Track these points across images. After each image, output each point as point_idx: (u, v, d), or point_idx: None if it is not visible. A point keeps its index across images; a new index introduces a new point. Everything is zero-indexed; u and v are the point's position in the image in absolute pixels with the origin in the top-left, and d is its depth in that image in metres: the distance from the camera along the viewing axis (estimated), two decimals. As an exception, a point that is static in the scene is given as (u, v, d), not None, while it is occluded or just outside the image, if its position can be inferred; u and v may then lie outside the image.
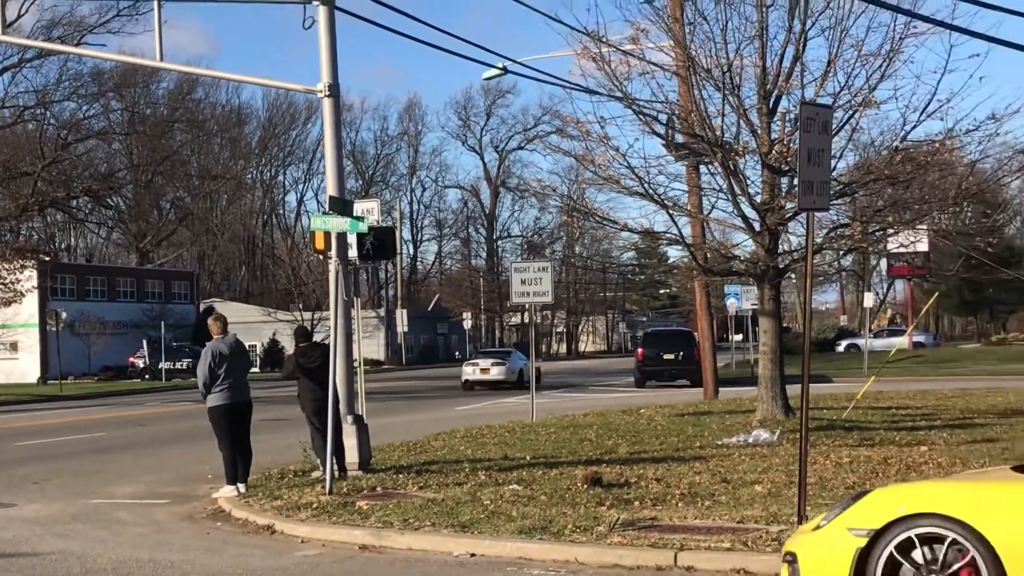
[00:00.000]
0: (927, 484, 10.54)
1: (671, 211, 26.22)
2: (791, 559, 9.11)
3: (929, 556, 8.57)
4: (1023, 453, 16.63)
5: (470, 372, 55.55)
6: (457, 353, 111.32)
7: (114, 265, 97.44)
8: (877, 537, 8.74)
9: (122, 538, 13.87)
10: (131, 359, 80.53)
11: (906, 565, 8.68)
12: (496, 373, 54.79)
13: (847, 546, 8.82)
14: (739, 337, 75.18)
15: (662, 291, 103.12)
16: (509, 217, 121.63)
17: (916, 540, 8.62)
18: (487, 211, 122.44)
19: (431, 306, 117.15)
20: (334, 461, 17.34)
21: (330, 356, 18.52)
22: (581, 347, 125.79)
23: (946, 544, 8.55)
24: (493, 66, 31.28)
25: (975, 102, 21.86)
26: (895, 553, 8.68)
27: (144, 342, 78.56)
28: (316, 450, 18.82)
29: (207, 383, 18.00)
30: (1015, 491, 8.99)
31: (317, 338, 23.60)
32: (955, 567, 8.52)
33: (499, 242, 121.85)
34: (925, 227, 32.84)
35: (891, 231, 28.75)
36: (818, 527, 9.21)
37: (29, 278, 66.10)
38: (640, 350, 54.82)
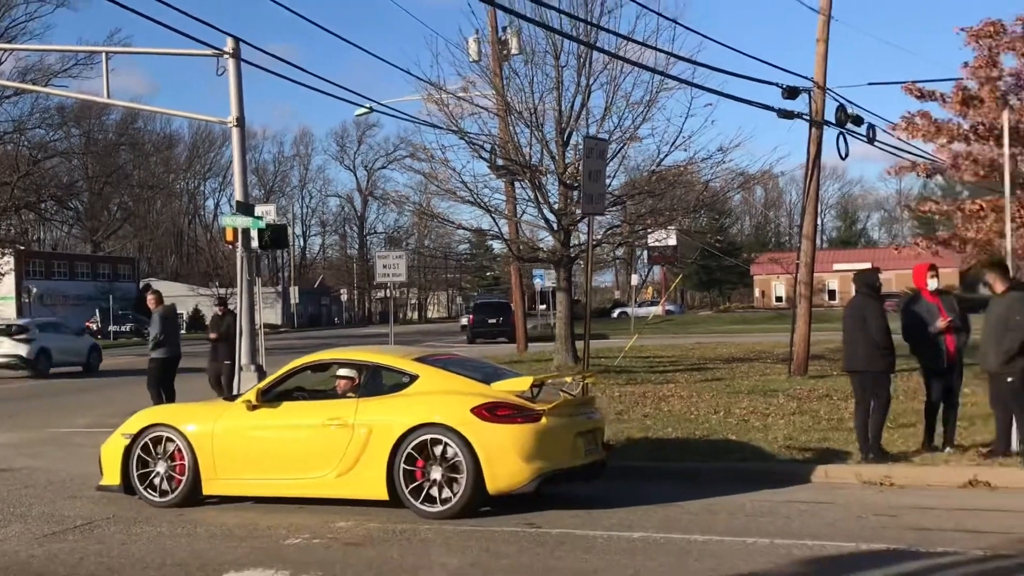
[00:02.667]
0: (156, 409, 11.91)
1: (494, 215, 26.46)
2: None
3: (158, 449, 10.45)
4: None
5: None
6: (336, 319, 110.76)
7: (73, 253, 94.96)
8: (135, 439, 10.51)
9: (78, 457, 13.66)
10: (87, 323, 78.58)
11: (154, 454, 10.42)
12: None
13: (120, 443, 10.60)
14: (543, 306, 75.93)
15: (488, 273, 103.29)
16: (375, 219, 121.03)
17: (152, 441, 10.48)
18: (359, 214, 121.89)
19: (316, 284, 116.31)
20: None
21: (242, 320, 18.49)
22: (429, 314, 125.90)
23: (166, 440, 10.41)
24: (363, 106, 31.11)
25: (708, 138, 22.57)
26: (144, 447, 10.45)
27: (97, 311, 76.98)
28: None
29: (158, 340, 17.81)
30: (207, 408, 11.17)
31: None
32: (171, 451, 10.36)
33: (368, 237, 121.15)
34: (674, 227, 33.74)
35: (650, 230, 29.47)
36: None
37: (8, 263, 64.78)
38: (471, 316, 55.09)
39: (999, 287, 11.30)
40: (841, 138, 23.01)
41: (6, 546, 8.68)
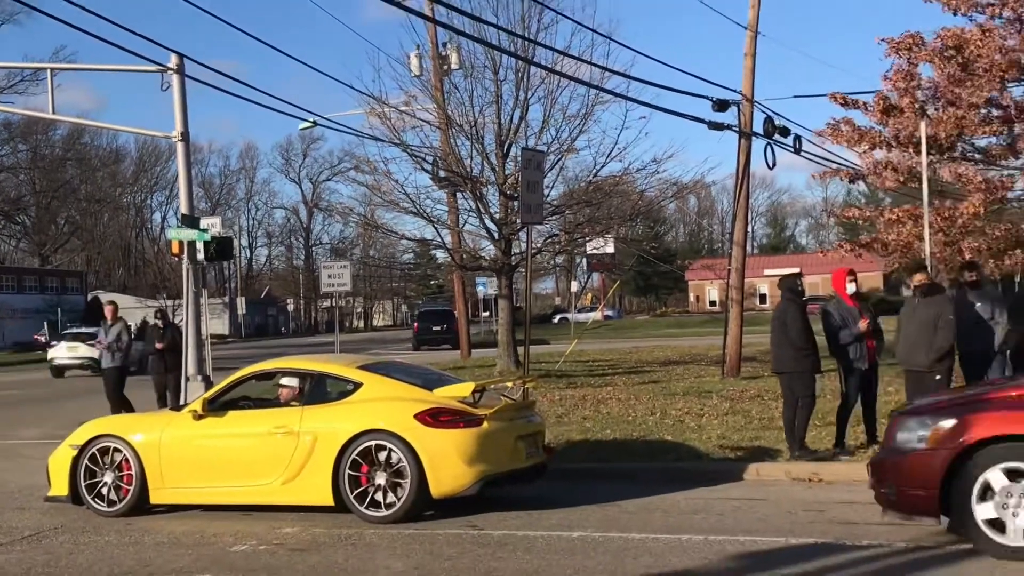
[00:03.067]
0: (102, 420, 11.63)
1: (436, 225, 26.44)
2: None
3: (105, 460, 10.33)
4: None
5: None
6: (283, 329, 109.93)
7: (21, 266, 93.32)
8: (82, 449, 10.39)
9: (26, 468, 13.41)
10: (35, 336, 77.48)
11: (101, 465, 10.29)
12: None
13: (68, 453, 10.45)
14: (487, 313, 75.96)
15: (432, 282, 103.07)
16: (320, 230, 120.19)
17: (99, 451, 10.36)
18: (304, 225, 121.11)
19: (263, 295, 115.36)
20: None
21: (188, 330, 18.31)
22: (375, 322, 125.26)
23: (113, 451, 10.28)
24: (306, 120, 30.90)
25: (643, 149, 22.86)
26: (91, 458, 10.32)
27: (45, 324, 75.78)
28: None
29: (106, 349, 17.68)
30: (154, 418, 11.39)
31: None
32: (118, 461, 10.22)
33: (313, 248, 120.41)
34: (611, 236, 33.91)
35: (588, 238, 29.63)
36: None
37: (-45, 277, 63.36)
38: (416, 324, 54.84)
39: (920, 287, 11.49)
40: (769, 148, 23.34)
41: (-48, 559, 8.51)
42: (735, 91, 22.67)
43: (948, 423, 7.46)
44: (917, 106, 20.79)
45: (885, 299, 69.14)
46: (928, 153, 18.08)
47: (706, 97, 21.80)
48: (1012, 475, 7.10)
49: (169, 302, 71.36)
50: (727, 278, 24.57)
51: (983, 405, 7.68)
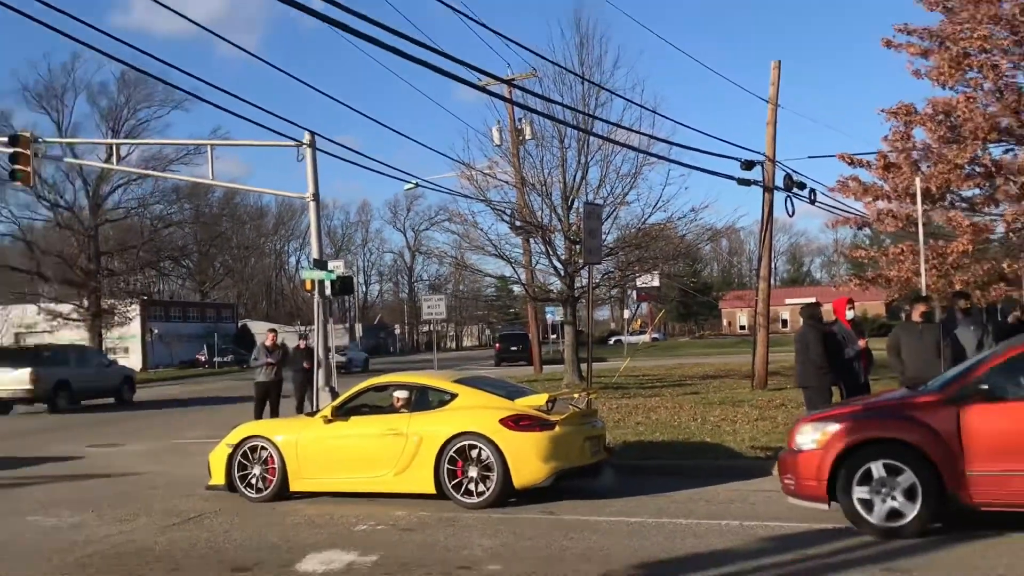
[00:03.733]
0: (252, 424, 11.63)
1: (514, 265, 26.66)
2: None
3: (254, 456, 10.44)
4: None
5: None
6: (392, 349, 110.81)
7: (186, 300, 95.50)
8: (236, 447, 10.52)
9: (193, 463, 13.68)
10: (197, 356, 79.06)
11: (251, 460, 10.41)
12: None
13: (224, 451, 10.59)
14: (554, 336, 75.77)
15: (510, 310, 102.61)
16: (420, 269, 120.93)
17: (249, 449, 10.46)
18: (408, 266, 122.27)
19: (376, 321, 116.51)
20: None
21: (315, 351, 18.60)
22: (464, 343, 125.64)
23: (260, 448, 10.39)
24: (410, 182, 31.27)
25: (683, 201, 22.77)
26: (244, 454, 10.45)
27: (205, 346, 77.30)
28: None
29: (255, 365, 17.94)
30: (292, 422, 11.25)
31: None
32: (264, 456, 10.33)
33: (415, 283, 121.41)
34: (657, 272, 33.64)
35: (637, 275, 29.44)
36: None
37: (135, 309, 65.00)
38: (497, 344, 54.90)
39: (917, 316, 11.21)
40: (788, 200, 22.99)
41: (136, 535, 8.69)
42: (759, 153, 22.48)
43: (833, 428, 7.64)
44: (912, 163, 20.45)
45: (886, 323, 67.48)
46: (922, 202, 17.71)
47: (735, 158, 21.65)
48: (872, 472, 7.37)
49: (303, 328, 72.51)
50: (755, 307, 24.24)
51: (861, 414, 7.84)
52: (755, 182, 22.32)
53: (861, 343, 11.46)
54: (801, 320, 11.85)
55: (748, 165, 21.73)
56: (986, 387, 7.27)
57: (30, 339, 75.48)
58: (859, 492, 7.38)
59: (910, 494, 7.23)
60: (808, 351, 11.22)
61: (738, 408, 17.14)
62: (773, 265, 26.79)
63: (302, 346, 19.69)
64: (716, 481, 10.34)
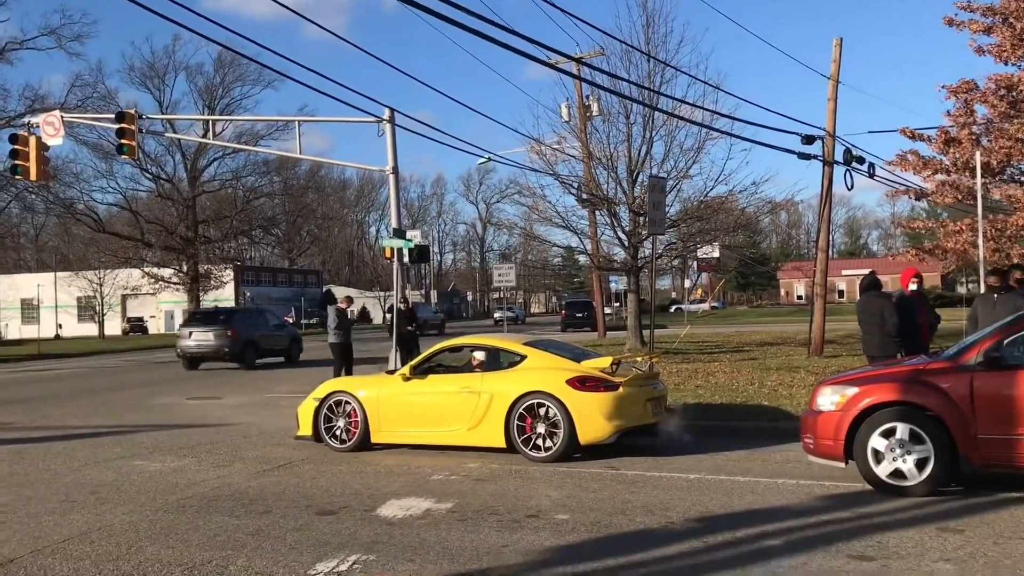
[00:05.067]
0: (337, 380, 11.83)
1: (580, 236, 26.46)
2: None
3: (339, 409, 10.61)
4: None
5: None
6: (464, 314, 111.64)
7: (275, 267, 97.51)
8: (322, 401, 10.68)
9: (282, 415, 14.05)
10: (285, 318, 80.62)
11: (336, 413, 10.58)
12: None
13: (312, 404, 10.75)
14: (617, 304, 75.43)
15: (575, 279, 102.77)
16: (491, 239, 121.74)
17: (334, 403, 10.62)
18: (480, 236, 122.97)
19: (449, 288, 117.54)
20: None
21: (394, 315, 18.78)
22: (532, 310, 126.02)
23: (344, 403, 10.51)
24: (483, 156, 31.32)
25: (744, 175, 22.36)
26: (329, 407, 10.62)
27: (292, 309, 78.87)
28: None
29: (334, 329, 18.02)
30: (373, 379, 11.06)
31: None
32: (348, 410, 10.49)
33: (486, 253, 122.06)
34: (717, 244, 33.18)
35: (699, 246, 29.07)
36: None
37: (229, 275, 66.63)
38: (563, 311, 54.84)
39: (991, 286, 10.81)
40: (847, 174, 22.40)
41: (232, 479, 8.96)
42: (820, 128, 21.91)
43: (852, 391, 7.65)
44: (973, 138, 19.73)
45: (942, 294, 65.48)
46: (981, 176, 17.09)
47: (796, 133, 21.13)
48: (887, 434, 7.40)
49: (381, 294, 73.41)
50: (813, 277, 23.73)
51: (880, 379, 7.73)
52: (815, 156, 21.78)
53: (924, 314, 11.11)
54: (861, 292, 11.50)
55: (808, 140, 21.20)
56: (997, 355, 7.24)
57: (132, 302, 78.04)
58: (874, 444, 7.41)
59: (922, 457, 7.25)
60: (883, 321, 10.84)
61: (794, 374, 16.88)
62: (831, 237, 26.12)
63: (403, 308, 19.67)
64: (773, 442, 10.22)
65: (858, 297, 11.69)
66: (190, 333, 26.62)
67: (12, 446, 11.64)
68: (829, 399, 7.80)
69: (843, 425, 7.58)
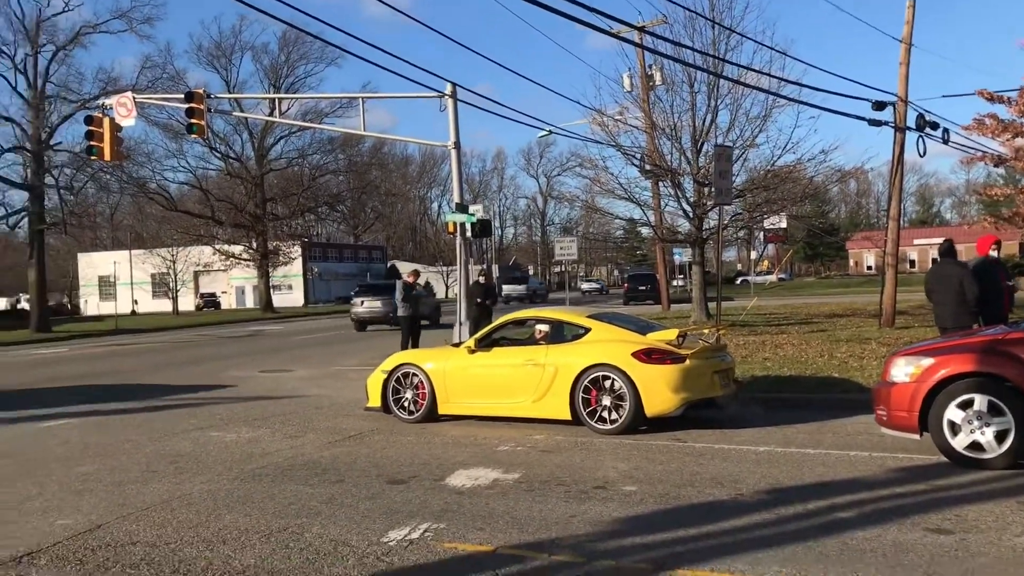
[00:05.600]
0: (404, 353, 11.98)
1: (643, 208, 26.23)
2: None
3: (407, 381, 10.79)
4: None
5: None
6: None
7: (341, 243, 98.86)
8: (390, 374, 10.87)
9: (351, 387, 14.28)
10: (351, 293, 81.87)
11: (404, 384, 10.75)
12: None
13: (380, 377, 10.94)
14: (681, 276, 74.74)
15: (637, 252, 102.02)
16: (552, 213, 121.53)
17: (402, 375, 10.79)
18: (541, 210, 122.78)
19: (511, 262, 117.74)
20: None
21: (460, 288, 18.88)
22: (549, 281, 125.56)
23: (412, 375, 10.72)
24: (544, 129, 31.11)
25: (812, 143, 21.74)
26: (397, 380, 10.81)
27: (357, 285, 79.97)
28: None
29: (400, 302, 18.12)
30: (440, 352, 11.15)
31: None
32: (416, 382, 10.66)
33: (547, 226, 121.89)
34: (784, 214, 32.52)
35: (765, 216, 28.53)
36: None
37: (297, 251, 67.76)
38: (626, 284, 54.52)
39: None
40: (920, 140, 21.71)
41: (305, 449, 9.15)
42: (891, 93, 21.24)
43: (927, 362, 7.45)
44: (1056, 100, 18.93)
45: (1020, 264, 63.30)
46: (1065, 140, 16.41)
47: (866, 99, 20.52)
48: (964, 405, 7.22)
49: (444, 269, 73.93)
50: (883, 247, 23.14)
51: (956, 349, 7.49)
52: (886, 123, 21.15)
53: (1004, 281, 10.75)
54: (940, 260, 11.11)
55: (879, 106, 20.59)
56: None
57: (204, 278, 79.94)
58: (951, 416, 7.25)
59: (1002, 429, 7.05)
60: (962, 290, 10.45)
61: (865, 345, 16.53)
62: (902, 206, 25.35)
63: (481, 281, 19.72)
64: (844, 414, 10.05)
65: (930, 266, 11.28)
66: (361, 302, 32.33)
67: (95, 418, 12.08)
68: (903, 370, 7.63)
69: (918, 396, 7.41)
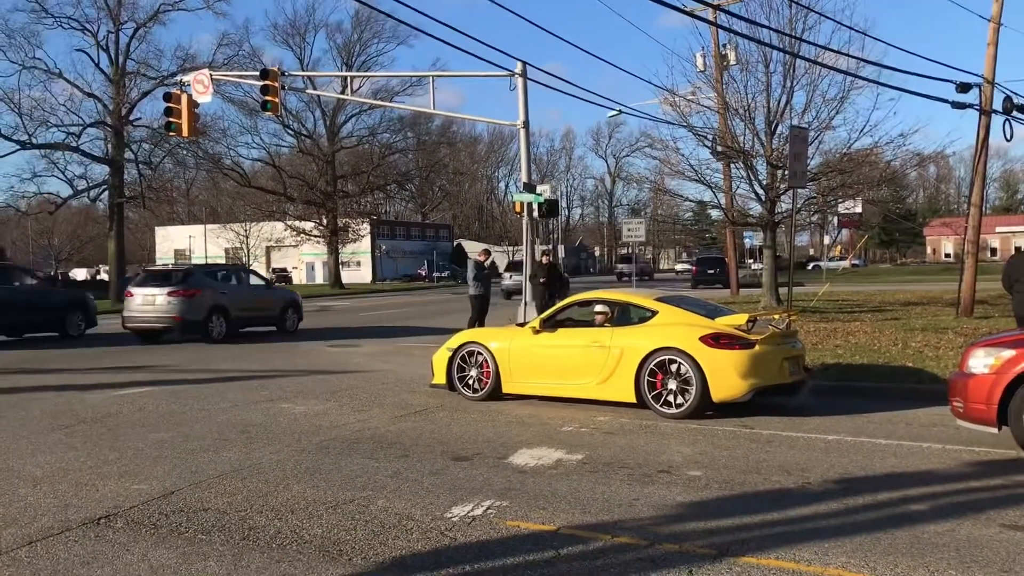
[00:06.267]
0: (469, 331, 11.84)
1: (714, 190, 25.76)
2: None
3: (472, 359, 10.86)
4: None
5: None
6: (591, 269, 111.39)
7: (409, 221, 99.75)
8: (455, 352, 10.98)
9: (416, 363, 14.44)
10: (419, 271, 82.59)
11: (469, 363, 10.86)
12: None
13: (446, 354, 11.06)
14: (751, 260, 73.58)
15: (707, 235, 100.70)
16: (620, 194, 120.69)
17: (467, 353, 10.91)
18: (608, 191, 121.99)
19: (577, 243, 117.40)
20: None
21: (525, 268, 18.86)
22: (661, 266, 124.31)
23: (476, 354, 10.80)
24: (614, 109, 30.93)
25: (891, 126, 21.11)
26: (462, 357, 10.93)
27: (425, 262, 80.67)
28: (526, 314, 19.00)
29: (472, 280, 18.24)
30: (505, 331, 11.24)
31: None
32: (480, 361, 10.76)
33: (615, 208, 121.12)
34: (860, 198, 31.67)
35: (840, 200, 27.82)
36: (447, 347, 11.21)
37: (366, 228, 68.56)
38: (695, 267, 53.79)
39: None
40: (1007, 124, 20.93)
41: (371, 423, 9.30)
42: (976, 75, 20.52)
43: (1008, 353, 7.21)
44: None
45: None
46: None
47: (950, 81, 19.85)
48: None
49: (510, 248, 74.14)
50: (964, 234, 22.38)
51: None
52: (971, 105, 20.43)
53: None
54: (1017, 250, 10.74)
55: (964, 88, 19.90)
56: None
57: (276, 253, 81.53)
58: None
59: None
60: None
61: (941, 335, 16.06)
62: (985, 191, 24.50)
63: (544, 262, 19.74)
64: (917, 405, 9.80)
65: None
66: (510, 276, 37.93)
67: (169, 387, 12.45)
68: (982, 361, 7.41)
69: (997, 389, 7.19)
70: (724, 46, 26.18)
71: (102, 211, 58.53)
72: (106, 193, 43.51)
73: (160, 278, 20.42)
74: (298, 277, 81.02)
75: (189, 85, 23.74)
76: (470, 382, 10.79)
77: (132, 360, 16.24)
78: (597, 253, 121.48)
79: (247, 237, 68.22)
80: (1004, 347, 7.36)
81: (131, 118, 43.53)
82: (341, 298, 48.81)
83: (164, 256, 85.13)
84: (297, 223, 62.57)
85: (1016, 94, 21.04)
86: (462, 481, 6.63)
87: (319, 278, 79.10)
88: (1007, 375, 7.17)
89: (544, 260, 19.66)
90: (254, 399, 11.13)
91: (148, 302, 19.67)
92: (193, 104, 23.02)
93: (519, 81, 20.12)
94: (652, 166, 30.27)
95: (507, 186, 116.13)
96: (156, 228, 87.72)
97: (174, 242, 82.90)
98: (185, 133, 23.29)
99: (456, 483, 6.57)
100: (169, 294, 19.55)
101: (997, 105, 20.66)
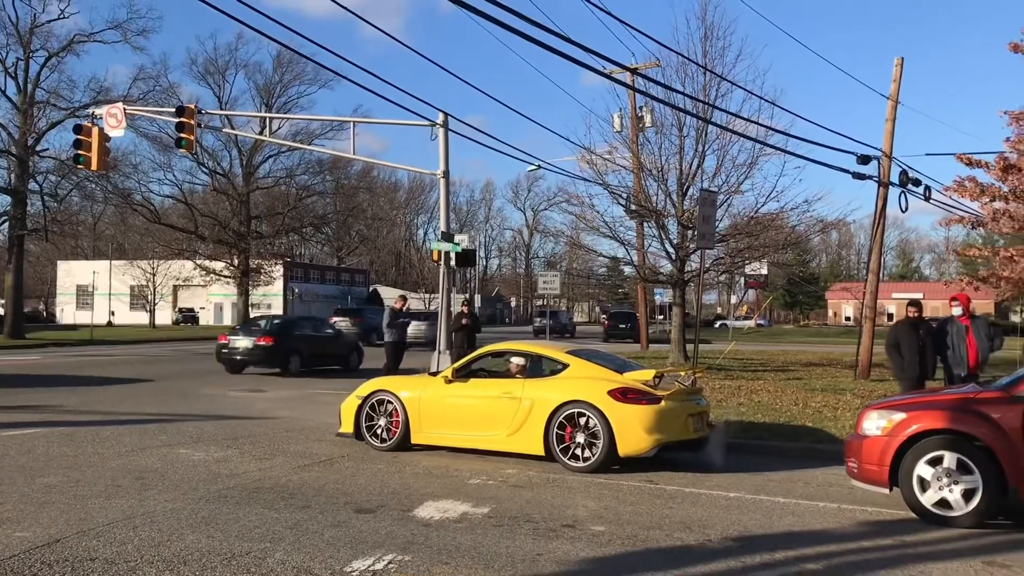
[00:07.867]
0: (380, 379, 11.47)
1: (627, 247, 26.34)
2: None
3: (381, 408, 10.73)
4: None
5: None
6: (507, 319, 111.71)
7: (324, 264, 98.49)
8: (364, 400, 10.84)
9: (323, 412, 14.16)
10: (331, 318, 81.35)
11: (378, 411, 10.73)
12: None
13: (355, 402, 10.92)
14: (661, 316, 74.95)
15: (620, 290, 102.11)
16: (537, 246, 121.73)
17: (377, 402, 10.78)
18: (526, 243, 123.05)
19: (493, 293, 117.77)
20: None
21: (439, 317, 18.80)
22: (574, 319, 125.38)
23: (386, 403, 10.69)
24: (532, 164, 31.36)
25: (796, 192, 22.00)
26: (371, 406, 10.79)
27: (338, 306, 79.48)
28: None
29: (386, 328, 18.28)
30: (416, 380, 11.06)
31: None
32: (390, 410, 10.64)
33: (531, 259, 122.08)
34: (766, 260, 32.78)
35: (747, 262, 28.73)
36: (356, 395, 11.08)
37: (279, 270, 67.38)
38: (607, 321, 54.63)
39: None
40: (902, 196, 22.08)
41: (272, 472, 9.05)
42: (876, 148, 21.60)
43: (899, 416, 7.51)
44: (1034, 165, 19.24)
45: (995, 323, 64.07)
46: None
47: (851, 152, 20.89)
48: (934, 462, 7.27)
49: (426, 296, 73.87)
50: (862, 299, 23.33)
51: (928, 406, 7.55)
52: (870, 177, 21.47)
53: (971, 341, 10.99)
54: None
55: (864, 160, 20.91)
56: None
57: (184, 292, 79.38)
58: (920, 472, 7.30)
59: (970, 487, 7.10)
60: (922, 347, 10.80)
61: (840, 396, 16.60)
62: (883, 259, 25.66)
63: (465, 311, 19.75)
64: (816, 464, 10.06)
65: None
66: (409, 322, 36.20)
67: (63, 428, 11.90)
68: (875, 423, 7.67)
69: (889, 451, 7.45)
70: (641, 108, 27.02)
71: (1, 242, 56.21)
72: (6, 224, 41.82)
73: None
74: (206, 318, 78.84)
75: (101, 118, 23.16)
76: (378, 431, 10.64)
77: (24, 400, 15.49)
78: (513, 304, 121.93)
79: (154, 275, 66.22)
80: (895, 410, 7.65)
81: (38, 148, 42.15)
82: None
83: (65, 292, 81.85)
84: (207, 263, 61.16)
85: (912, 168, 22.28)
86: (364, 534, 6.49)
87: (228, 319, 77.15)
88: (898, 437, 7.45)
89: (464, 309, 19.69)
90: (152, 443, 10.72)
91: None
92: (104, 137, 22.45)
93: (440, 131, 20.27)
94: (568, 221, 30.74)
95: (426, 233, 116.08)
96: (59, 262, 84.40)
97: (76, 277, 79.79)
98: (94, 167, 22.65)
99: (358, 536, 6.43)
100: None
101: (894, 178, 21.74)
